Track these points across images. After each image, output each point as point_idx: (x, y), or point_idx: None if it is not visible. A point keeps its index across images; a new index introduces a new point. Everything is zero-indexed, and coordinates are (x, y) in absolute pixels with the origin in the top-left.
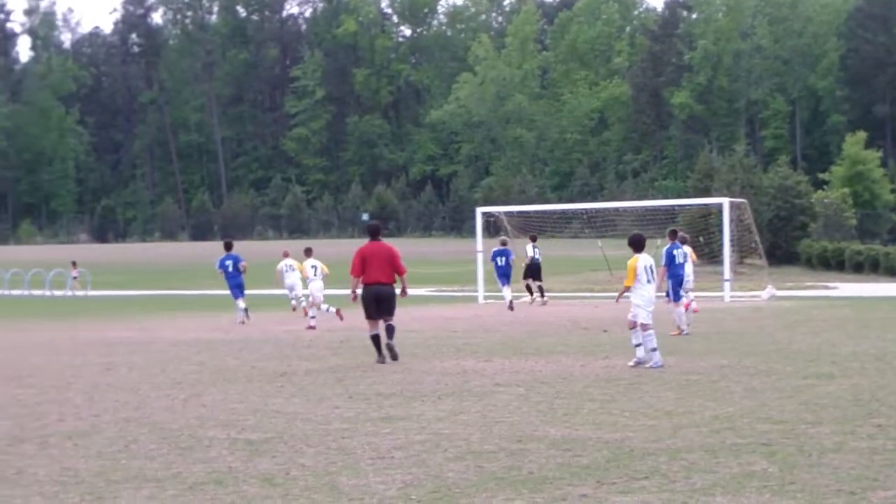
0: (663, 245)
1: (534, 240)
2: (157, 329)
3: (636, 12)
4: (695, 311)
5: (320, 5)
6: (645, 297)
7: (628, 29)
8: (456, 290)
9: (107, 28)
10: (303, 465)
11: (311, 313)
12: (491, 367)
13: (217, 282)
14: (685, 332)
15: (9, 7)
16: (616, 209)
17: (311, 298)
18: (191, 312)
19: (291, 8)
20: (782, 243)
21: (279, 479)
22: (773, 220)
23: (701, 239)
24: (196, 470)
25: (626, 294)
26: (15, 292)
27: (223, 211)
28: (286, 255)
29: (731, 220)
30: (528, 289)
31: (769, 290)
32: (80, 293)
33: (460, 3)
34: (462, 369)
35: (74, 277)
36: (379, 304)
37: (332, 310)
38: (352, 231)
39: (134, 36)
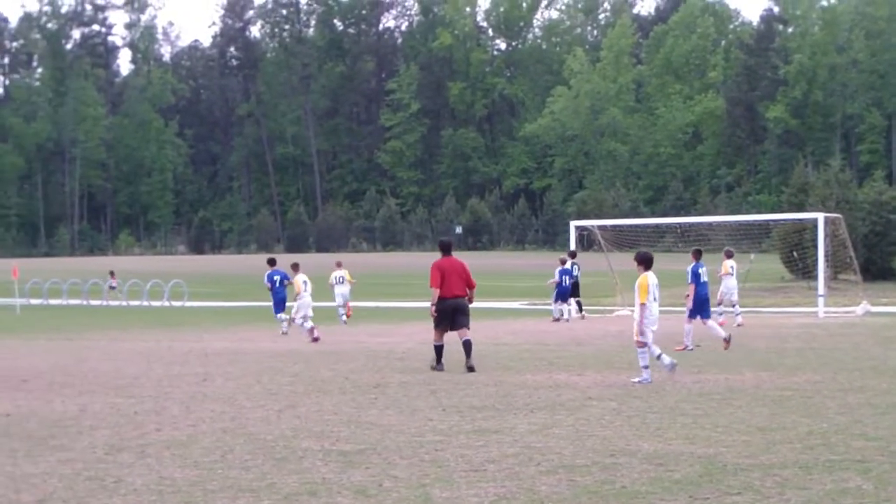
0: (756, 260)
1: (573, 256)
2: (253, 340)
3: (731, 26)
4: (739, 325)
5: (416, 19)
6: (650, 317)
7: (723, 43)
8: (549, 304)
9: (205, 41)
10: (396, 477)
11: (307, 325)
12: (583, 381)
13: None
14: (689, 348)
15: (110, 21)
16: (709, 224)
17: (299, 311)
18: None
19: (388, 21)
20: (877, 259)
21: (372, 491)
22: (869, 236)
23: (795, 254)
24: (290, 481)
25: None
26: (113, 303)
27: (318, 223)
28: (339, 265)
29: (826, 236)
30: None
31: (864, 306)
32: (114, 303)
33: (555, 16)
34: (554, 382)
35: (112, 287)
36: (456, 315)
37: (315, 333)
38: None
39: (232, 49)
